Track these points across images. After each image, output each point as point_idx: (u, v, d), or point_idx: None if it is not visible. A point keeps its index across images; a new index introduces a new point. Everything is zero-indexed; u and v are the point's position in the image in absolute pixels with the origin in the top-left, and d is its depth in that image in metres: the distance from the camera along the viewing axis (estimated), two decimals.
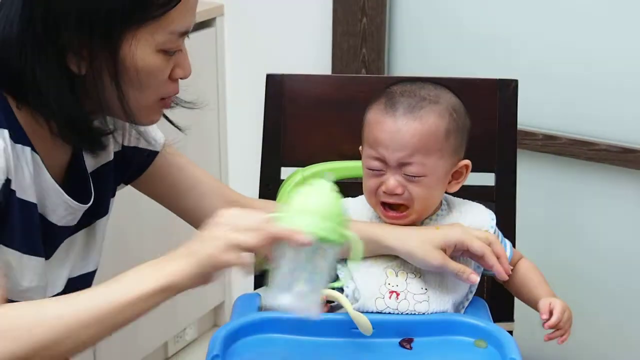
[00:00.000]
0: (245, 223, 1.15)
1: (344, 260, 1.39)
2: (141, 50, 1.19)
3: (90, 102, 1.23)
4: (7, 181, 1.19)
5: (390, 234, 1.43)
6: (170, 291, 1.11)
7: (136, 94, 1.22)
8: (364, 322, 1.37)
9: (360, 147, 1.50)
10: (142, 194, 1.53)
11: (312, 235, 1.17)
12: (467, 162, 1.49)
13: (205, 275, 1.14)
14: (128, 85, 1.21)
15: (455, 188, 1.50)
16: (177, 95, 1.31)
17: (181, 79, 1.27)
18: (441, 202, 1.51)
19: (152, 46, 1.20)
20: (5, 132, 1.19)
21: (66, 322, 1.04)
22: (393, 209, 1.45)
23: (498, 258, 1.43)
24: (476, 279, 1.42)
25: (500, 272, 1.42)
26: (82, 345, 1.06)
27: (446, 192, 1.51)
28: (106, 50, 1.18)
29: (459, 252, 1.44)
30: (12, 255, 1.24)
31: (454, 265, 1.41)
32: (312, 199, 1.22)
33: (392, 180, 1.42)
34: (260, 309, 1.51)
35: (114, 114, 1.26)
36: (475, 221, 1.49)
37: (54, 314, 1.06)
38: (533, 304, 1.50)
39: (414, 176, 1.42)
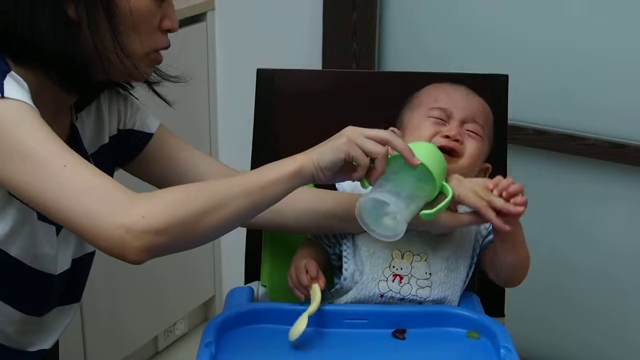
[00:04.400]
0: (371, 132, 1.30)
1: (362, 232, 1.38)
2: None
3: (88, 50, 1.27)
4: None
5: None
6: (299, 176, 1.28)
7: (130, 38, 1.28)
8: (298, 327, 1.35)
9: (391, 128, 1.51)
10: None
11: (421, 163, 1.31)
12: (489, 165, 1.52)
13: (331, 165, 1.29)
14: (122, 29, 1.26)
15: None
16: (166, 71, 1.41)
17: (169, 31, 1.33)
18: None
19: None
20: None
21: (222, 194, 1.22)
22: (445, 154, 1.43)
23: (505, 193, 1.34)
24: (492, 213, 1.33)
25: (499, 225, 1.34)
26: (235, 213, 1.23)
27: None
28: None
29: (456, 205, 1.41)
30: (29, 214, 1.29)
31: (465, 217, 1.40)
32: (424, 148, 1.37)
33: (456, 128, 1.47)
34: (251, 300, 1.52)
35: (109, 63, 1.29)
36: None
37: (212, 187, 1.24)
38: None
39: (474, 132, 1.48)
